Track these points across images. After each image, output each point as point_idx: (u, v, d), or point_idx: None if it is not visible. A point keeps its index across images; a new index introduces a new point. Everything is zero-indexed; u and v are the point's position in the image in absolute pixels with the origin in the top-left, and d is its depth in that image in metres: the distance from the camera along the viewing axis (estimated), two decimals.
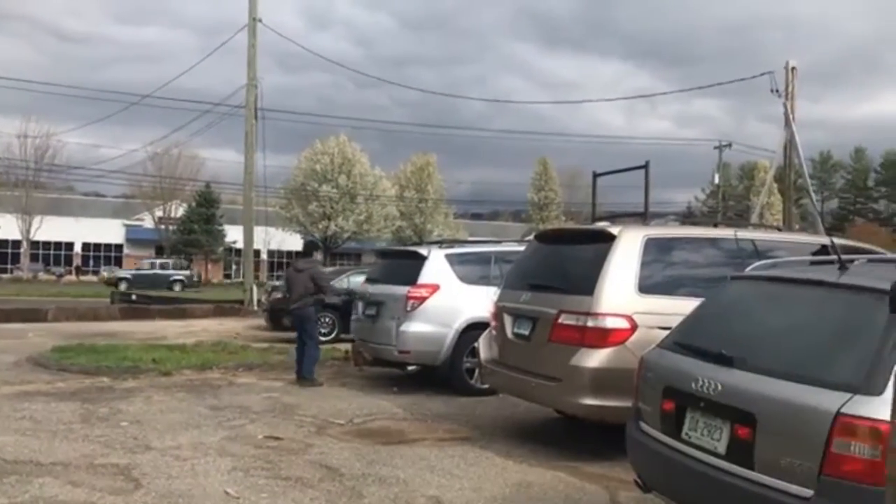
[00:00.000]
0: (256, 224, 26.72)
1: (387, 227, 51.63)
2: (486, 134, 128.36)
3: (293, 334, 14.20)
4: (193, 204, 60.94)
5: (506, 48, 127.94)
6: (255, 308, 21.90)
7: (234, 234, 52.22)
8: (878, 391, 3.04)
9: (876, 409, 3.01)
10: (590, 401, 5.91)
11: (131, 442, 6.49)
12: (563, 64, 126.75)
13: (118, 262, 64.77)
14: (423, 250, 9.91)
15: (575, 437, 6.94)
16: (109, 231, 64.21)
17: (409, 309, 9.16)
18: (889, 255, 6.24)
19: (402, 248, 12.20)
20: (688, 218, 25.88)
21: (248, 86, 24.45)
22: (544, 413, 7.57)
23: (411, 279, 9.37)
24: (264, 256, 59.00)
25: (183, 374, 10.25)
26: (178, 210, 61.69)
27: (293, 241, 55.48)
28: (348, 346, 11.39)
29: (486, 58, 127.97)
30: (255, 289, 23.75)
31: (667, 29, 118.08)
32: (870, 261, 4.70)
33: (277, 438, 6.76)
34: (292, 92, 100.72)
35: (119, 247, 65.58)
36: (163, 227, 61.93)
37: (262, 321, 17.69)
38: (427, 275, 9.35)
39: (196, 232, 59.63)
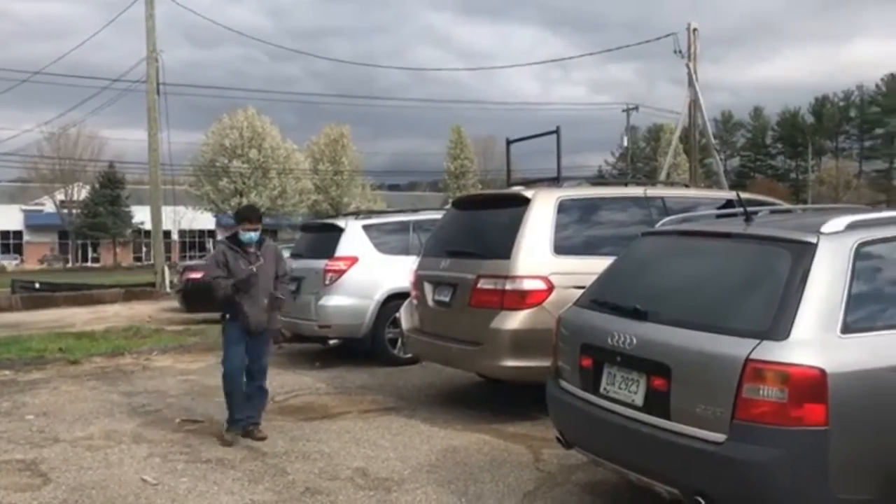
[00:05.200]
0: (165, 204, 25.85)
1: (302, 201, 50.76)
2: (402, 104, 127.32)
3: (208, 315, 13.76)
4: (97, 186, 58.37)
5: (423, 18, 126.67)
6: (168, 290, 21.26)
7: (142, 216, 50.35)
8: (784, 336, 3.16)
9: (783, 353, 3.12)
10: (511, 362, 5.97)
11: (38, 436, 6.17)
12: (479, 32, 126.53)
13: (18, 250, 61.61)
14: (340, 222, 9.75)
15: (498, 399, 7.01)
16: (6, 217, 60.77)
17: (327, 282, 9.02)
18: (789, 206, 6.52)
19: (322, 221, 11.94)
20: (599, 180, 26.45)
21: (149, 59, 23.38)
22: (468, 378, 7.62)
23: (329, 252, 9.22)
24: (175, 237, 57.20)
25: (93, 362, 9.81)
26: (81, 193, 58.96)
27: (205, 220, 53.95)
28: None
29: (403, 28, 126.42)
30: (166, 270, 23.04)
31: None
32: (772, 212, 4.88)
33: (196, 421, 6.56)
34: (203, 66, 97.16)
35: (18, 233, 62.27)
36: (65, 211, 59.09)
37: (175, 303, 17.15)
38: (345, 247, 9.21)
39: (101, 215, 57.23)
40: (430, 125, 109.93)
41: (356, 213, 10.89)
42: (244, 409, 5.95)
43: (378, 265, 9.16)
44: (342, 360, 9.28)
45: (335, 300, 8.98)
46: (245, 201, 46.18)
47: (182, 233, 58.53)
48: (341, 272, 9.02)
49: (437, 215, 9.43)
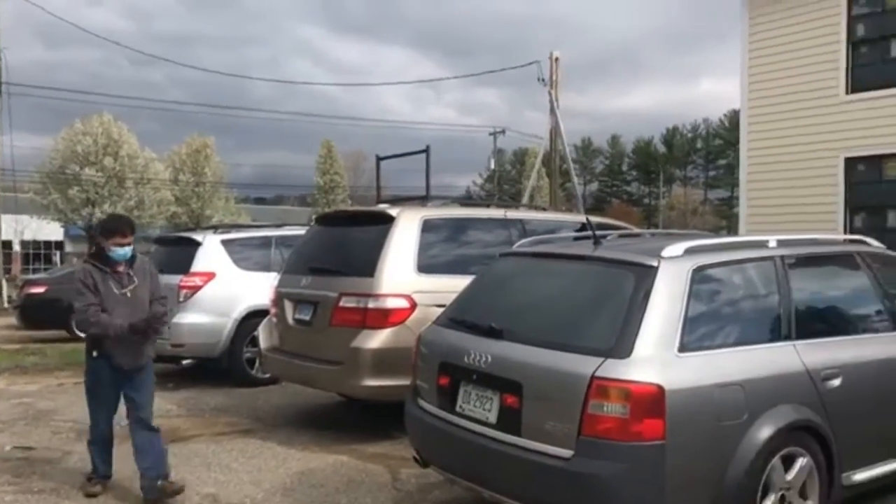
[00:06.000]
0: (5, 212, 23.98)
1: (160, 212, 48.47)
2: (272, 116, 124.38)
3: (49, 333, 12.82)
4: None
5: (296, 32, 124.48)
6: (6, 306, 19.65)
7: None
8: (627, 354, 3.31)
9: (625, 370, 3.27)
10: (372, 382, 5.91)
11: None
12: (352, 49, 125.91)
13: None
14: (197, 236, 9.36)
15: (358, 419, 6.94)
16: None
17: (181, 299, 8.61)
18: (637, 230, 6.90)
19: (177, 234, 11.40)
20: (466, 201, 27.04)
21: None
22: (328, 398, 7.49)
23: (184, 267, 8.82)
24: (17, 248, 53.05)
25: None
26: None
27: (51, 231, 50.44)
28: None
29: (276, 41, 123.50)
30: (4, 284, 21.30)
31: (450, 19, 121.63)
32: (620, 236, 5.13)
33: (29, 448, 6.06)
34: (57, 68, 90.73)
35: None
36: None
37: (12, 320, 15.86)
38: (201, 262, 8.84)
39: None
40: (300, 139, 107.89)
41: (215, 227, 10.50)
42: (108, 463, 5.00)
43: (237, 281, 8.86)
44: (197, 380, 8.88)
45: (190, 318, 8.58)
46: (98, 211, 43.48)
47: (25, 244, 54.34)
48: (197, 288, 8.65)
49: (302, 231, 9.25)
